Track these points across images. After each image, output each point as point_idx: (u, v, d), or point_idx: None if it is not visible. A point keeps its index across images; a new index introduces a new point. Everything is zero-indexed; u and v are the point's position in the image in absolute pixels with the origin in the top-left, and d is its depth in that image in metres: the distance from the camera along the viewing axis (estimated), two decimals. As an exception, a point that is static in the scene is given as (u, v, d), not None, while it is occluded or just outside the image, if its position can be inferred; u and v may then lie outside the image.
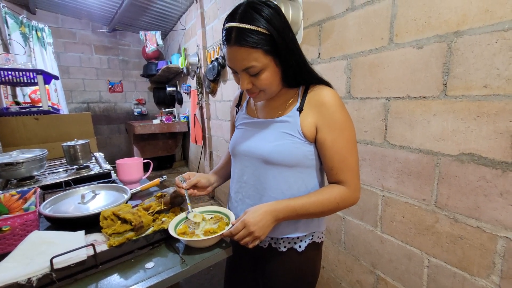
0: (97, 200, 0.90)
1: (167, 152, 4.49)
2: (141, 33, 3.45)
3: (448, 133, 0.90)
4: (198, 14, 2.99)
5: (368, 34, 1.13)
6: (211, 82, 2.85)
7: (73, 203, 0.87)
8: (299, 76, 0.71)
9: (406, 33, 0.99)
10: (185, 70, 3.49)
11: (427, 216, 0.99)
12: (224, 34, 0.64)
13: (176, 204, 0.90)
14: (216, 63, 2.61)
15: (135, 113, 4.83)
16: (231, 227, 0.67)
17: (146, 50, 3.61)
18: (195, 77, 3.24)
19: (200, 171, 3.74)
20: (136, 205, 0.87)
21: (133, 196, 1.05)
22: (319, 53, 1.40)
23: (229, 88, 2.60)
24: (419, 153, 1.00)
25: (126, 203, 0.90)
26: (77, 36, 4.22)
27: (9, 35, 2.62)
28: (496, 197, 0.80)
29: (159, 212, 0.85)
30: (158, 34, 3.53)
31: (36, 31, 2.93)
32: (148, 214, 0.81)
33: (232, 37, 0.62)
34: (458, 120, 0.87)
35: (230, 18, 0.63)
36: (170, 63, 3.90)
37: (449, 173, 0.91)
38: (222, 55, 2.55)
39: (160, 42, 3.52)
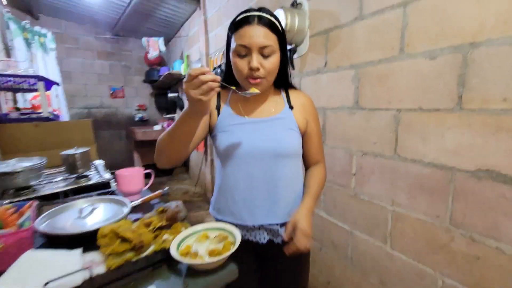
0: (95, 215, 0.86)
1: (168, 159, 4.45)
2: (144, 39, 3.45)
3: (463, 147, 0.87)
4: (201, 21, 2.99)
5: (378, 43, 1.11)
6: (214, 89, 2.82)
7: (71, 218, 0.83)
8: (284, 75, 0.83)
9: (418, 43, 0.96)
10: (187, 77, 3.47)
11: (441, 234, 0.95)
12: (240, 19, 0.72)
13: (178, 219, 0.85)
14: (219, 70, 2.59)
15: (136, 119, 4.81)
16: (286, 243, 0.75)
17: (148, 56, 3.61)
18: (198, 84, 3.22)
19: (201, 178, 3.69)
20: (137, 219, 0.83)
21: (133, 210, 1.01)
22: (326, 62, 1.38)
23: (232, 95, 2.57)
24: (432, 167, 0.96)
25: (126, 217, 0.86)
26: (80, 42, 4.22)
27: (11, 40, 2.61)
28: (517, 217, 0.76)
29: (160, 227, 0.81)
30: (161, 41, 3.53)
31: (39, 36, 2.92)
32: (149, 230, 0.77)
33: (254, 19, 0.70)
34: (475, 135, 0.83)
35: (246, 11, 0.73)
36: (172, 69, 3.89)
37: (465, 189, 0.87)
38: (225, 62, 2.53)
39: (163, 48, 3.52)
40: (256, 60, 0.70)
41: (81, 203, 0.91)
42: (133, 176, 1.12)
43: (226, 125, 0.82)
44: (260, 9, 0.73)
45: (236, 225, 0.79)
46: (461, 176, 0.88)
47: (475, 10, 0.81)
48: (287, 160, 0.80)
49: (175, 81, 4.32)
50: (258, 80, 0.73)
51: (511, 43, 0.74)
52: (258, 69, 0.71)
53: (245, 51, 0.71)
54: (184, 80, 0.58)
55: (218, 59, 2.70)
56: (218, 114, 0.85)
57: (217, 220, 0.88)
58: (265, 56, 0.72)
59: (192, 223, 0.78)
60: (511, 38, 0.74)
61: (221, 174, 0.86)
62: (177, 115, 4.42)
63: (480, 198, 0.84)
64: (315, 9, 1.41)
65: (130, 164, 4.46)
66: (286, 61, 0.81)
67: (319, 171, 0.89)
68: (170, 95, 4.32)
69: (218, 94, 0.89)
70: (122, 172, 1.13)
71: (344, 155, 1.33)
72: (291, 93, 0.87)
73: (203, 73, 0.56)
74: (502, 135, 0.77)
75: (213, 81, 0.57)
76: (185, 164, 4.73)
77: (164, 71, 4.02)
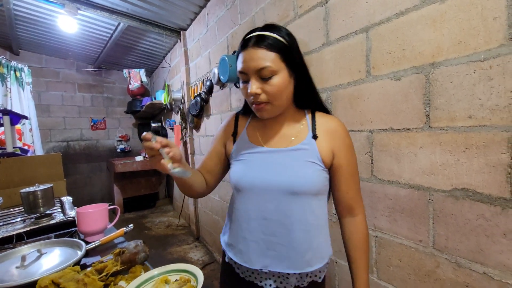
0: (41, 262, 0.75)
1: (151, 190, 4.28)
2: (125, 71, 3.47)
3: (437, 166, 0.84)
4: (182, 52, 3.04)
5: (346, 67, 1.12)
6: (195, 117, 2.80)
7: (11, 268, 0.72)
8: (311, 93, 0.74)
9: (383, 66, 0.98)
10: (168, 106, 3.46)
11: (426, 260, 0.89)
12: (241, 44, 0.67)
13: (137, 262, 0.76)
14: (199, 98, 2.58)
15: (118, 150, 4.67)
16: None
17: (130, 87, 3.60)
18: (179, 113, 3.21)
19: (184, 208, 3.53)
20: (91, 265, 0.74)
21: (92, 252, 0.90)
22: (299, 87, 1.38)
23: (213, 123, 2.55)
24: (409, 188, 0.93)
25: (79, 263, 0.76)
26: (61, 75, 4.19)
27: (-16, 75, 2.54)
28: (499, 238, 0.72)
29: (115, 273, 0.72)
30: (142, 72, 3.55)
31: (15, 71, 2.87)
32: (101, 277, 0.68)
33: (250, 43, 0.65)
34: (447, 153, 0.82)
35: (250, 32, 0.68)
36: (155, 99, 3.88)
37: (444, 210, 0.83)
38: (205, 90, 2.54)
39: (144, 79, 3.53)
40: (254, 85, 0.64)
41: (26, 249, 0.81)
42: (94, 213, 1.02)
43: (241, 153, 0.75)
44: (263, 27, 0.67)
45: (243, 267, 0.72)
46: (438, 197, 0.85)
47: (431, 33, 0.83)
48: (305, 199, 0.68)
49: (158, 111, 4.30)
50: (262, 105, 0.67)
51: (468, 62, 0.75)
52: (257, 95, 0.65)
53: (245, 77, 0.67)
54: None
55: (199, 88, 2.71)
56: (234, 142, 0.79)
57: (226, 252, 0.79)
58: (264, 79, 0.64)
59: (174, 260, 0.69)
60: (466, 57, 0.76)
61: (232, 207, 0.78)
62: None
63: (460, 219, 0.80)
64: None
65: (110, 198, 4.24)
66: (305, 78, 0.71)
67: (361, 229, 0.74)
68: (153, 124, 4.26)
69: (236, 121, 0.82)
70: (82, 210, 1.03)
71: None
72: (319, 117, 0.74)
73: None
74: (472, 152, 0.76)
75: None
76: (169, 195, 4.55)
77: (146, 101, 4.00)
